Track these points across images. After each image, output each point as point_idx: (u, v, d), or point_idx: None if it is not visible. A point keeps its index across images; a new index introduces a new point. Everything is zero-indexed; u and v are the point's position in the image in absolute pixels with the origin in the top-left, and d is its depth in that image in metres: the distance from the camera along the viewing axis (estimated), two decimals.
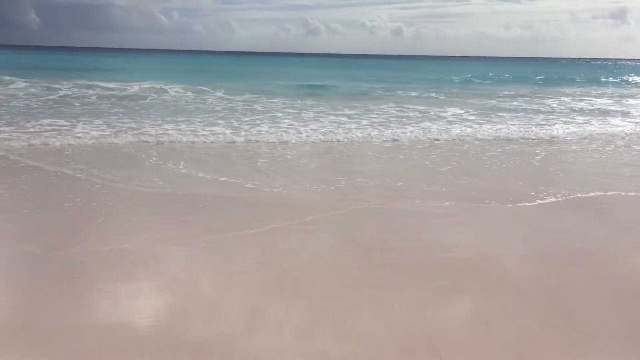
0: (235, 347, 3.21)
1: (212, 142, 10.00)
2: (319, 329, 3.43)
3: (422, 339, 3.34)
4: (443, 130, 12.15)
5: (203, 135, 10.53)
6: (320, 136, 10.91)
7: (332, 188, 6.99)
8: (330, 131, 11.50)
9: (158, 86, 20.98)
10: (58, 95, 17.34)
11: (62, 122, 11.52)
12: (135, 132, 10.50)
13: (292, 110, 15.08)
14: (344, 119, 13.70)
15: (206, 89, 20.84)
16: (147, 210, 5.89)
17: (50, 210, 5.77)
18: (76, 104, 15.31)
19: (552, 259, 4.75)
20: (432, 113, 15.61)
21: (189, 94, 19.50)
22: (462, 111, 16.41)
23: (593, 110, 18.11)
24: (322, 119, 13.46)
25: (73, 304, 3.69)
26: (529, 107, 18.46)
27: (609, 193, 6.97)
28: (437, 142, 10.73)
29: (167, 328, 3.39)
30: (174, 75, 29.41)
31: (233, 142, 10.09)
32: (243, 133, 10.91)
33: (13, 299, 3.78)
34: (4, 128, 10.47)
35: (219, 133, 10.86)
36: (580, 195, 6.79)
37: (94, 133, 10.32)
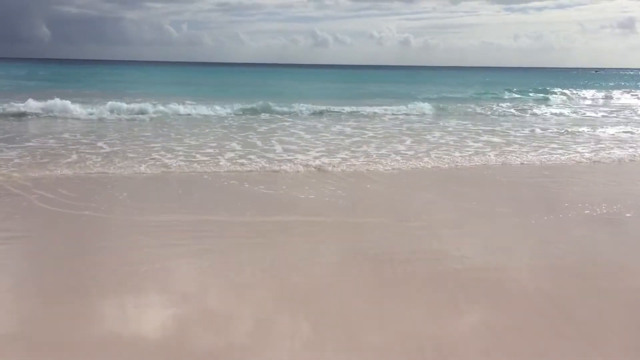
0: (246, 359, 3.23)
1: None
2: (328, 340, 3.44)
3: (433, 351, 3.34)
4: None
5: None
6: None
7: (342, 198, 7.06)
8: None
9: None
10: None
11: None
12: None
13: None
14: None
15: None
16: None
17: (63, 223, 5.90)
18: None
19: (564, 271, 4.75)
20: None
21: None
22: None
23: None
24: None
25: (81, 317, 3.73)
26: None
27: (622, 208, 7.00)
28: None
29: (175, 340, 3.41)
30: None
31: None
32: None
33: (21, 311, 3.82)
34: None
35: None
36: (593, 210, 6.81)
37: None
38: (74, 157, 9.59)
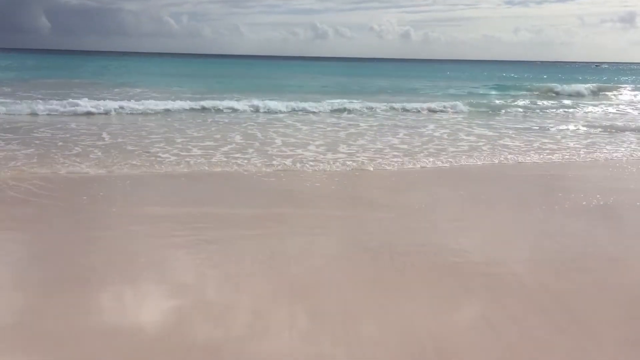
0: (244, 350, 3.23)
1: None
2: (327, 333, 3.45)
3: (431, 344, 3.34)
4: None
5: None
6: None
7: (342, 190, 7.10)
8: None
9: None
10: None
11: None
12: None
13: None
14: None
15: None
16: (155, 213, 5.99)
17: (57, 212, 5.91)
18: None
19: (563, 265, 4.75)
20: None
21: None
22: None
23: None
24: None
25: (80, 308, 3.73)
26: None
27: (622, 200, 7.01)
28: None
29: (174, 331, 3.42)
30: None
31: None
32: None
33: (20, 302, 3.82)
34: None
35: None
36: (592, 202, 6.80)
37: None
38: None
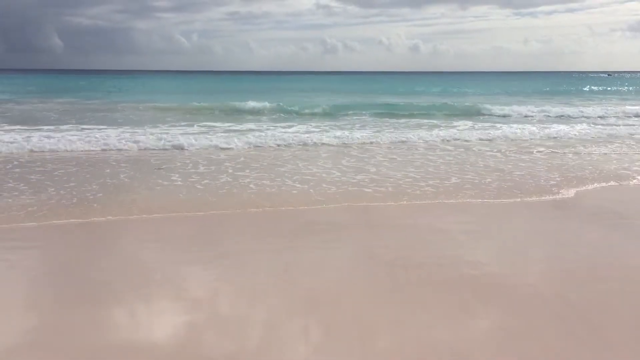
0: None
1: None
2: (342, 346, 3.42)
3: (448, 356, 3.29)
4: None
5: None
6: None
7: (355, 203, 7.06)
8: None
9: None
10: None
11: None
12: None
13: None
14: None
15: None
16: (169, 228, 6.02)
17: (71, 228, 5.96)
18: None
19: (579, 275, 4.70)
20: None
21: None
22: None
23: None
24: None
25: (98, 325, 3.74)
26: None
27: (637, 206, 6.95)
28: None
29: (191, 346, 3.41)
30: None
31: None
32: None
33: (39, 320, 3.84)
34: None
35: None
36: (608, 209, 6.74)
37: None
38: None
